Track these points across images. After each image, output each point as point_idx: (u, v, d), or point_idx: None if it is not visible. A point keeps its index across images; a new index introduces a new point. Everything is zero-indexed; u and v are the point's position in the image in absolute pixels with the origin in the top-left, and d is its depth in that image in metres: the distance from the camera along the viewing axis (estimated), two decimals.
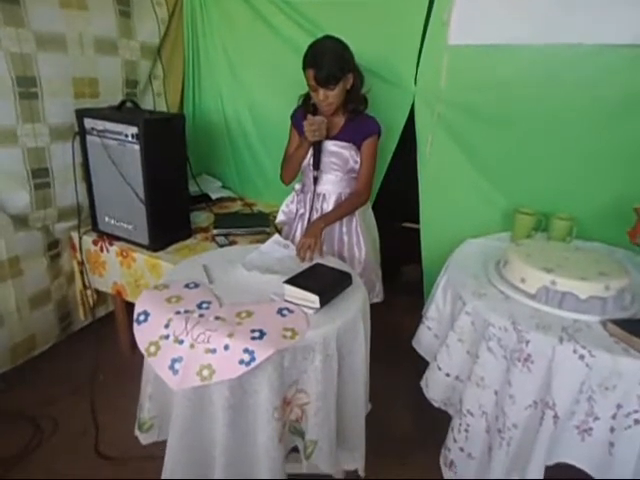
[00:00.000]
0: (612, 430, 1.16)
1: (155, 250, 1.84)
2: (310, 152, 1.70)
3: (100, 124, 1.78)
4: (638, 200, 1.48)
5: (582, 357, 1.15)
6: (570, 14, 1.60)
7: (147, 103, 2.29)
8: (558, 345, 1.17)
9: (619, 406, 1.14)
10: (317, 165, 1.70)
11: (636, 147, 1.66)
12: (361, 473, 1.43)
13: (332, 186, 1.76)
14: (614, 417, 1.16)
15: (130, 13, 2.04)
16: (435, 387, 1.50)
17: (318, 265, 1.44)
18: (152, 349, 1.19)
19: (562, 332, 1.21)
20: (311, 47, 1.58)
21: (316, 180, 1.73)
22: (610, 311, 1.28)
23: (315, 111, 1.65)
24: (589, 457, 1.21)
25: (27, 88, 1.72)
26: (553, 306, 1.31)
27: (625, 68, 1.59)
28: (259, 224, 2.05)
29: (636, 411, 1.12)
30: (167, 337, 1.18)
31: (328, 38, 1.61)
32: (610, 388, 1.14)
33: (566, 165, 1.78)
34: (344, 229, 1.80)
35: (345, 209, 1.74)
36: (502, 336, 1.27)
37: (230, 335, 1.14)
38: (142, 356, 1.22)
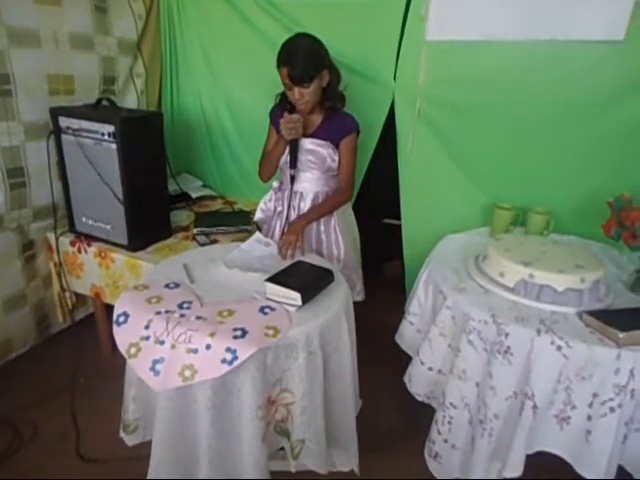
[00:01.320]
0: (589, 418, 1.19)
1: (134, 250, 1.81)
2: (287, 150, 1.69)
3: (76, 123, 1.74)
4: (612, 194, 1.51)
5: (559, 348, 1.17)
6: (543, 10, 1.63)
7: (130, 101, 2.25)
8: (536, 337, 1.19)
9: (595, 395, 1.17)
10: (294, 164, 1.70)
11: (610, 142, 1.69)
12: (356, 471, 1.44)
13: (309, 184, 1.76)
14: (591, 405, 1.19)
15: (106, 9, 2.00)
16: (418, 381, 1.52)
17: (299, 262, 1.44)
18: (132, 350, 1.17)
19: (540, 324, 1.23)
20: (284, 45, 1.57)
21: (293, 178, 1.72)
22: (586, 302, 1.31)
23: (292, 109, 1.64)
24: (568, 445, 1.24)
25: (0, 85, 1.68)
26: (531, 299, 1.33)
27: (598, 64, 1.63)
28: (240, 222, 2.03)
29: (611, 399, 1.15)
30: (147, 338, 1.17)
31: (301, 35, 1.60)
32: (587, 377, 1.17)
33: (543, 160, 1.81)
34: (322, 227, 1.79)
35: (327, 207, 1.75)
36: (482, 329, 1.29)
37: (212, 334, 1.13)
38: (124, 358, 1.21)
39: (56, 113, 1.78)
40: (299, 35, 1.60)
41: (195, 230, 1.97)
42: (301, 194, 1.77)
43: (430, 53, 1.81)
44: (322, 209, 1.74)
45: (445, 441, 1.42)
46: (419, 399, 1.54)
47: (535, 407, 1.20)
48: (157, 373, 1.14)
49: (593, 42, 1.60)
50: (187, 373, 1.11)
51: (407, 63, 1.86)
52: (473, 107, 1.84)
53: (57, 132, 1.79)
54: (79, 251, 1.91)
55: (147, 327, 1.19)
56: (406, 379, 1.57)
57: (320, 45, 1.60)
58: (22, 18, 1.69)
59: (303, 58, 1.53)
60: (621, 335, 1.15)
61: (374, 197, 2.33)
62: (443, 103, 1.88)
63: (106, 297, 1.93)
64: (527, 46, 1.69)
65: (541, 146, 1.79)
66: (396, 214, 2.16)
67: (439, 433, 1.43)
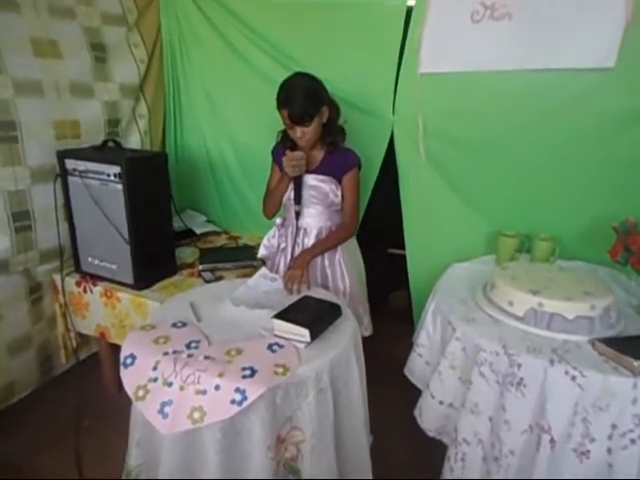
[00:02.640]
0: (609, 451, 1.16)
1: (140, 289, 1.81)
2: (291, 187, 1.71)
3: (82, 164, 1.78)
4: (616, 219, 1.51)
5: (574, 378, 1.15)
6: (534, 40, 1.67)
7: (134, 142, 2.30)
8: (549, 367, 1.17)
9: (614, 426, 1.14)
10: (298, 199, 1.71)
11: (611, 167, 1.71)
12: None
13: (313, 220, 1.77)
14: (610, 438, 1.15)
15: (105, 58, 2.08)
16: (429, 416, 1.49)
17: (306, 297, 1.43)
18: (140, 393, 1.15)
19: (552, 354, 1.21)
20: (283, 86, 1.60)
21: (298, 214, 1.73)
22: (598, 330, 1.30)
23: (294, 146, 1.67)
24: None
25: (6, 132, 1.72)
26: (542, 328, 1.32)
27: (591, 91, 1.66)
28: (245, 257, 2.04)
29: (631, 430, 1.13)
30: (155, 380, 1.16)
31: (299, 75, 1.63)
32: (604, 408, 1.14)
33: (544, 187, 1.82)
34: (327, 262, 1.79)
35: (331, 242, 1.75)
36: (494, 360, 1.27)
37: (220, 375, 1.12)
38: (129, 398, 1.18)
39: (63, 156, 1.81)
40: (297, 75, 1.64)
41: (200, 267, 1.97)
42: (305, 230, 1.78)
43: (426, 86, 1.85)
44: (326, 244, 1.74)
45: None
46: (430, 435, 1.50)
47: (553, 441, 1.16)
48: (165, 416, 1.11)
49: (585, 70, 1.63)
50: (196, 415, 1.09)
51: (404, 96, 1.91)
52: (471, 137, 1.87)
53: (64, 174, 1.82)
54: (84, 291, 1.91)
55: (155, 368, 1.18)
56: (416, 413, 1.54)
57: (318, 83, 1.63)
58: (26, 70, 1.76)
59: (302, 98, 1.56)
60: (636, 363, 1.13)
61: (378, 227, 2.34)
62: (441, 134, 1.91)
63: (112, 337, 1.92)
64: (520, 76, 1.72)
65: (542, 173, 1.81)
66: (400, 244, 2.16)
67: (452, 471, 1.39)
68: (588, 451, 1.18)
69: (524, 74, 1.71)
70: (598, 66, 1.61)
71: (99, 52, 2.04)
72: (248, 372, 1.12)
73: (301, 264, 1.61)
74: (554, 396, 1.17)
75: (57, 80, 1.87)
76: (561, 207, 1.82)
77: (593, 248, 1.73)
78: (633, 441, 1.12)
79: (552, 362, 1.18)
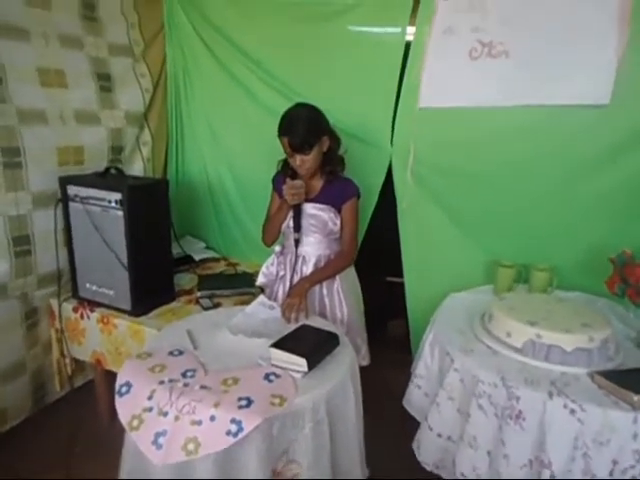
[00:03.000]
0: None
1: (137, 315, 1.80)
2: (290, 215, 1.73)
3: (84, 191, 1.79)
4: (613, 249, 1.52)
5: (573, 412, 1.14)
6: (531, 78, 1.72)
7: (137, 168, 2.33)
8: (548, 400, 1.16)
9: (615, 462, 1.13)
10: (298, 227, 1.73)
11: (607, 200, 1.73)
12: None
13: (312, 248, 1.78)
14: (611, 474, 1.13)
15: (111, 87, 2.13)
16: (427, 449, 1.46)
17: (304, 326, 1.43)
18: (135, 423, 1.14)
19: (551, 386, 1.21)
20: (285, 115, 1.64)
21: (298, 242, 1.75)
22: (596, 362, 1.29)
23: (294, 174, 1.70)
24: None
25: (11, 158, 1.75)
26: (540, 359, 1.31)
27: (588, 127, 1.70)
28: (244, 285, 2.04)
29: (632, 467, 1.11)
30: (151, 409, 1.14)
31: (301, 105, 1.68)
32: (604, 443, 1.13)
33: (541, 218, 1.84)
34: (325, 291, 1.79)
35: (329, 270, 1.76)
36: (492, 392, 1.26)
37: (216, 405, 1.11)
38: (121, 426, 1.17)
39: (65, 182, 1.83)
40: (299, 105, 1.68)
41: (199, 293, 1.97)
42: (303, 258, 1.79)
43: (423, 119, 1.89)
44: (325, 272, 1.75)
45: None
46: (428, 469, 1.47)
47: (553, 476, 1.14)
48: (160, 447, 1.10)
49: (581, 106, 1.68)
50: (191, 447, 1.07)
51: (402, 129, 1.95)
52: (469, 169, 1.90)
53: (65, 200, 1.84)
54: (81, 317, 1.90)
55: (150, 398, 1.16)
56: (414, 446, 1.51)
57: (319, 113, 1.67)
58: (30, 99, 1.80)
59: (303, 127, 1.59)
60: (636, 398, 1.12)
61: (376, 255, 2.35)
62: (437, 166, 1.94)
63: (107, 364, 1.90)
64: (518, 111, 1.76)
65: (539, 204, 1.83)
66: (398, 272, 2.17)
67: None
68: None
69: (522, 110, 1.75)
70: (594, 103, 1.65)
71: (105, 81, 2.09)
72: (244, 402, 1.11)
73: (299, 292, 1.61)
74: (553, 430, 1.15)
75: (62, 108, 1.91)
76: (558, 238, 1.83)
77: (591, 278, 1.73)
78: (635, 478, 1.10)
79: (551, 395, 1.17)
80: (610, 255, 1.51)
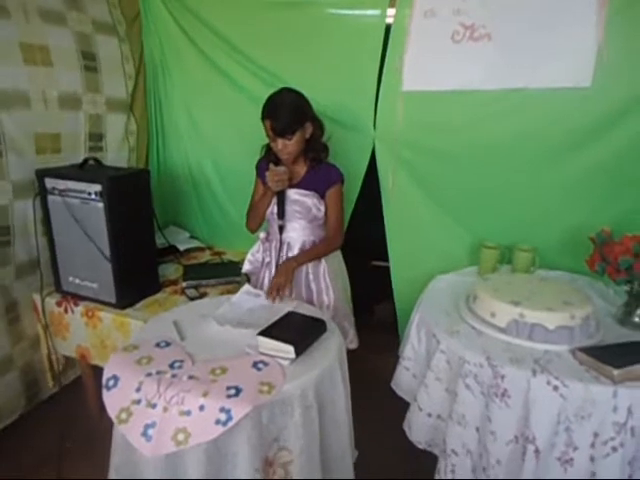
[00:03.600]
0: (592, 459, 1.17)
1: (123, 308, 1.79)
2: (274, 201, 1.72)
3: (62, 183, 1.75)
4: (593, 229, 1.54)
5: (556, 388, 1.17)
6: (513, 62, 1.72)
7: (122, 158, 2.28)
8: (532, 378, 1.19)
9: (596, 434, 1.16)
10: (282, 214, 1.72)
11: (586, 180, 1.76)
12: None
13: (296, 234, 1.78)
14: (593, 446, 1.17)
15: (97, 68, 2.06)
16: (418, 428, 1.49)
17: (291, 314, 1.43)
18: (123, 416, 1.14)
19: (535, 364, 1.23)
20: (269, 99, 1.63)
21: (282, 228, 1.74)
22: (578, 339, 1.32)
23: (278, 160, 1.69)
24: None
25: None
26: (524, 338, 1.33)
27: (569, 109, 1.71)
28: (229, 273, 2.03)
29: (612, 438, 1.14)
30: (139, 402, 1.14)
31: (285, 90, 1.66)
32: (586, 417, 1.16)
33: (524, 199, 1.86)
34: (311, 276, 1.80)
35: (318, 251, 1.77)
36: (478, 372, 1.28)
37: (205, 394, 1.11)
38: (111, 420, 1.16)
39: (42, 174, 1.79)
40: (283, 90, 1.66)
41: (184, 284, 1.96)
42: (288, 244, 1.78)
43: (406, 102, 1.89)
44: (312, 253, 1.75)
45: None
46: (420, 447, 1.50)
47: (537, 451, 1.18)
48: (149, 438, 1.10)
49: (563, 89, 1.69)
50: (180, 437, 1.08)
51: (385, 112, 1.93)
52: (452, 152, 1.90)
53: (43, 193, 1.80)
54: (65, 311, 1.88)
55: (138, 390, 1.16)
56: (405, 426, 1.54)
57: (303, 99, 1.66)
58: (13, 80, 1.73)
59: (286, 111, 1.58)
60: (616, 372, 1.15)
61: (361, 240, 2.35)
62: (420, 149, 1.94)
63: (92, 358, 1.88)
64: (500, 95, 1.77)
65: (522, 186, 1.85)
66: (384, 256, 2.18)
67: None
68: (572, 459, 1.19)
69: (504, 93, 1.76)
70: (575, 85, 1.66)
71: (90, 61, 2.02)
72: (233, 391, 1.11)
73: (286, 270, 1.63)
74: (537, 406, 1.18)
75: (46, 90, 1.85)
76: (541, 219, 1.85)
77: (572, 258, 1.77)
78: (614, 449, 1.14)
79: (534, 372, 1.20)
80: (590, 234, 1.53)
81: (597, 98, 1.65)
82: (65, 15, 1.92)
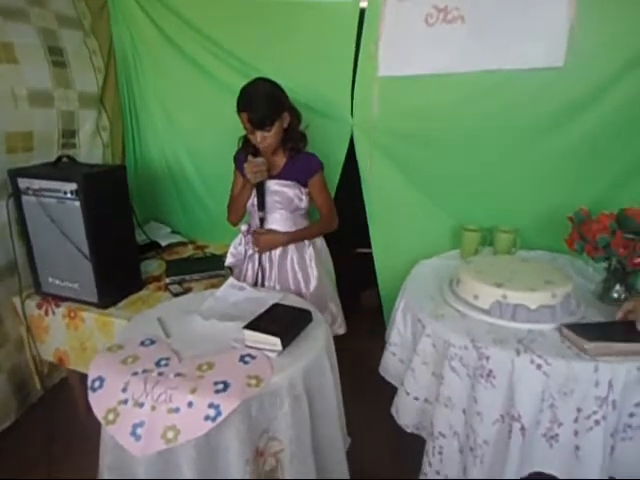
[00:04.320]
0: (576, 434, 1.20)
1: (105, 307, 1.76)
2: (254, 193, 1.70)
3: (36, 183, 1.70)
4: (571, 208, 1.57)
5: (539, 366, 1.19)
6: (488, 43, 1.72)
7: (96, 155, 2.23)
8: (516, 357, 1.21)
9: (579, 409, 1.19)
10: (262, 206, 1.71)
11: (564, 160, 1.78)
12: None
13: (278, 225, 1.77)
14: (576, 421, 1.20)
15: (65, 63, 2.00)
16: (406, 412, 1.51)
17: (276, 305, 1.43)
18: (110, 417, 1.13)
19: (518, 344, 1.25)
20: (243, 90, 1.59)
21: (262, 221, 1.73)
22: (559, 317, 1.35)
23: (256, 151, 1.67)
24: (559, 463, 1.25)
25: None
26: (507, 319, 1.35)
27: (542, 89, 1.72)
28: (213, 267, 2.01)
29: (595, 412, 1.17)
30: (126, 402, 1.13)
31: (260, 80, 1.63)
32: (568, 393, 1.19)
33: (503, 181, 1.88)
34: (296, 265, 1.80)
35: (311, 231, 1.81)
36: (463, 354, 1.30)
37: (193, 391, 1.10)
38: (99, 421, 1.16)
39: (15, 174, 1.73)
40: (257, 80, 1.63)
41: (167, 280, 1.93)
42: None
43: (382, 88, 1.88)
44: (304, 233, 1.79)
45: (437, 472, 1.41)
46: (408, 430, 1.52)
47: (523, 429, 1.20)
48: (138, 438, 1.09)
49: (537, 69, 1.69)
50: (170, 435, 1.07)
51: (361, 99, 1.92)
52: (429, 136, 1.90)
53: (17, 194, 1.75)
54: (46, 313, 1.84)
55: (124, 390, 1.15)
56: (393, 411, 1.56)
57: (278, 88, 1.63)
58: None
59: (263, 102, 1.55)
60: (587, 346, 1.18)
61: (344, 228, 2.35)
62: (397, 134, 1.94)
63: (70, 362, 1.84)
64: (476, 77, 1.77)
65: (499, 167, 1.86)
66: (367, 243, 2.18)
67: (430, 465, 1.41)
68: (557, 435, 1.22)
69: (479, 75, 1.76)
70: (549, 66, 1.67)
71: (58, 56, 1.96)
72: (221, 386, 1.11)
73: (266, 243, 1.72)
74: (522, 385, 1.20)
75: (14, 88, 1.79)
76: (520, 200, 1.87)
77: (552, 237, 1.79)
78: (597, 422, 1.17)
79: (518, 352, 1.22)
80: (569, 214, 1.55)
81: (570, 78, 1.66)
82: (28, 11, 1.86)
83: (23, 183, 1.74)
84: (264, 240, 1.73)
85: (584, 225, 1.48)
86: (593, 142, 1.71)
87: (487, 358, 1.25)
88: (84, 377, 1.24)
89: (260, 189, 1.68)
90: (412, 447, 1.53)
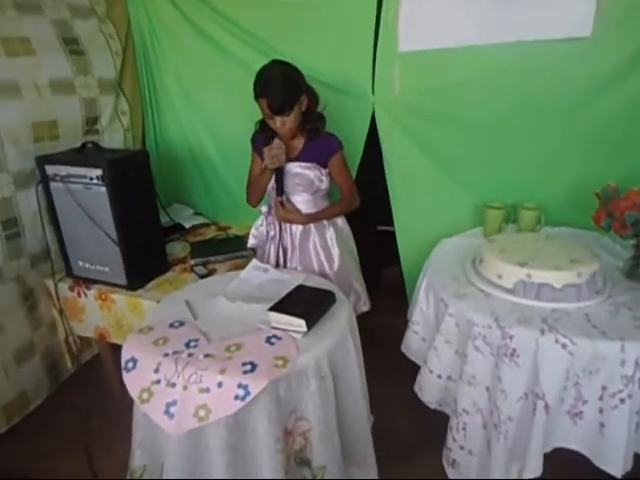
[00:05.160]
0: (601, 411, 1.21)
1: (134, 289, 1.82)
2: (273, 178, 1.71)
3: (63, 169, 1.75)
4: (597, 184, 1.53)
5: (564, 346, 1.19)
6: (510, 13, 1.65)
7: (117, 139, 2.26)
8: (540, 337, 1.21)
9: (604, 388, 1.19)
10: (280, 191, 1.71)
11: (590, 135, 1.73)
12: None
13: (299, 207, 1.77)
14: (601, 398, 1.20)
15: (82, 51, 2.02)
16: (429, 390, 1.53)
17: (300, 287, 1.45)
18: (145, 396, 1.18)
19: (542, 323, 1.25)
20: (260, 75, 1.57)
21: (282, 205, 1.73)
22: (585, 296, 1.33)
23: (274, 135, 1.65)
24: (583, 439, 1.26)
25: None
26: (531, 298, 1.35)
27: (568, 61, 1.66)
28: (236, 248, 2.04)
29: (620, 391, 1.17)
30: (158, 382, 1.18)
31: (276, 63, 1.60)
32: (594, 372, 1.19)
33: (527, 157, 1.84)
34: (318, 244, 1.80)
35: (333, 211, 1.82)
36: (487, 334, 1.31)
37: (222, 371, 1.14)
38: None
39: (42, 162, 1.78)
40: (273, 63, 1.60)
41: (192, 262, 1.97)
42: None
43: (404, 64, 1.84)
44: (326, 213, 1.80)
45: (462, 448, 1.43)
46: (432, 407, 1.55)
47: (547, 407, 1.21)
48: (171, 416, 1.14)
49: (562, 40, 1.63)
50: (202, 413, 1.12)
51: (383, 75, 1.88)
52: (451, 112, 1.86)
53: (45, 180, 1.80)
54: (79, 295, 1.91)
55: (157, 370, 1.20)
56: (416, 388, 1.58)
57: (295, 71, 1.61)
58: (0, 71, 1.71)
59: (281, 88, 1.53)
60: None
61: (365, 205, 2.34)
62: (419, 111, 1.90)
63: (111, 337, 1.93)
64: (497, 49, 1.71)
65: (523, 143, 1.82)
66: (389, 221, 2.18)
67: (454, 440, 1.44)
68: (581, 412, 1.23)
69: (502, 47, 1.70)
70: (574, 36, 1.60)
71: (74, 45, 1.98)
72: (249, 367, 1.15)
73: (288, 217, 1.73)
74: (546, 364, 1.21)
75: (35, 78, 1.82)
76: (545, 175, 1.83)
77: (578, 214, 1.75)
78: (622, 400, 1.17)
79: (542, 332, 1.22)
80: (595, 189, 1.52)
81: (598, 48, 1.59)
82: (40, 4, 1.88)
83: (50, 170, 1.78)
84: (285, 212, 1.73)
85: (611, 202, 1.44)
86: (622, 117, 1.65)
87: (511, 337, 1.25)
88: (116, 353, 1.28)
89: (279, 174, 1.68)
90: (437, 420, 1.55)
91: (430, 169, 1.97)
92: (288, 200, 1.74)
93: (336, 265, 1.83)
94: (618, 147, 1.70)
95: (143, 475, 1.30)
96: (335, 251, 1.83)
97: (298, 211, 1.75)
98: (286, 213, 1.73)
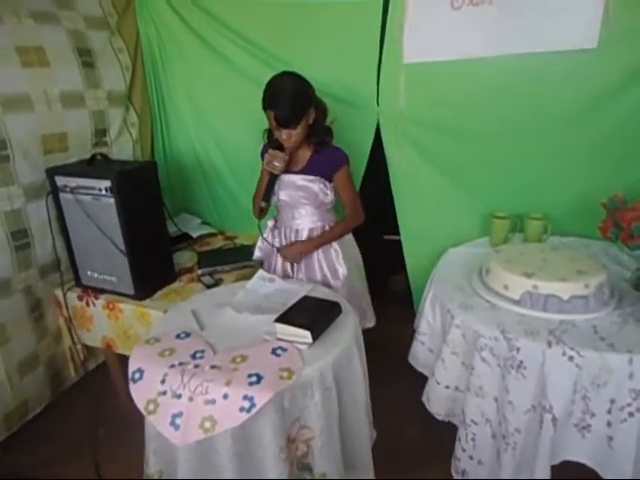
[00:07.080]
0: (609, 424, 1.20)
1: (142, 299, 1.83)
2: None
3: (72, 181, 1.77)
4: (604, 194, 1.53)
5: (571, 358, 1.18)
6: (517, 25, 1.67)
7: (126, 151, 2.29)
8: (547, 349, 1.21)
9: (612, 401, 1.18)
10: (267, 197, 1.72)
11: (597, 145, 1.73)
12: None
13: (304, 220, 1.77)
14: (609, 412, 1.19)
15: (94, 63, 2.05)
16: (436, 401, 1.53)
17: (306, 298, 1.45)
18: (151, 407, 1.18)
19: (550, 335, 1.24)
20: (269, 86, 1.56)
21: (262, 210, 1.74)
22: (592, 308, 1.33)
23: (281, 146, 1.65)
24: (591, 453, 1.25)
25: None
26: (538, 310, 1.34)
27: (575, 72, 1.67)
28: (243, 258, 2.04)
29: (629, 404, 1.16)
30: (165, 393, 1.18)
31: (285, 75, 1.59)
32: (602, 385, 1.18)
33: (533, 167, 1.84)
34: (323, 261, 1.79)
35: (336, 232, 1.79)
36: (493, 345, 1.30)
37: (228, 383, 1.15)
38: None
39: (52, 173, 1.81)
40: (283, 75, 1.59)
41: (199, 271, 1.98)
42: (297, 231, 1.78)
43: (408, 75, 1.85)
44: (328, 236, 1.77)
45: (470, 457, 1.42)
46: (439, 418, 1.54)
47: (554, 419, 1.20)
48: (177, 427, 1.14)
49: (568, 52, 1.64)
50: (207, 425, 1.12)
51: (387, 86, 1.90)
52: (456, 123, 1.87)
53: (55, 192, 1.82)
54: (87, 305, 1.93)
55: (163, 382, 1.20)
56: (424, 399, 1.58)
57: (304, 83, 1.59)
58: (13, 84, 1.74)
59: (289, 101, 1.52)
60: None
61: (371, 215, 2.35)
62: (424, 122, 1.91)
63: (117, 347, 1.94)
64: (504, 61, 1.72)
65: (529, 153, 1.82)
66: (395, 230, 2.18)
67: (463, 450, 1.43)
68: (589, 425, 1.22)
69: (507, 59, 1.71)
70: (581, 47, 1.61)
71: (87, 57, 2.01)
72: (254, 379, 1.15)
73: (292, 256, 1.71)
74: (553, 377, 1.20)
75: (47, 91, 1.85)
76: (551, 185, 1.83)
77: (584, 223, 1.75)
78: (631, 414, 1.16)
79: (550, 344, 1.21)
80: (602, 199, 1.51)
81: (604, 59, 1.60)
82: (57, 14, 1.91)
83: (60, 181, 1.81)
84: (290, 252, 1.74)
85: (618, 212, 1.44)
86: (629, 126, 1.65)
87: (518, 349, 1.24)
88: (123, 362, 1.29)
89: (272, 180, 1.69)
90: (445, 431, 1.54)
91: (436, 178, 1.98)
92: (262, 216, 1.78)
93: (341, 282, 1.80)
94: (624, 157, 1.70)
95: (162, 476, 1.31)
96: (342, 269, 1.80)
97: (299, 242, 1.76)
98: (292, 253, 1.75)
